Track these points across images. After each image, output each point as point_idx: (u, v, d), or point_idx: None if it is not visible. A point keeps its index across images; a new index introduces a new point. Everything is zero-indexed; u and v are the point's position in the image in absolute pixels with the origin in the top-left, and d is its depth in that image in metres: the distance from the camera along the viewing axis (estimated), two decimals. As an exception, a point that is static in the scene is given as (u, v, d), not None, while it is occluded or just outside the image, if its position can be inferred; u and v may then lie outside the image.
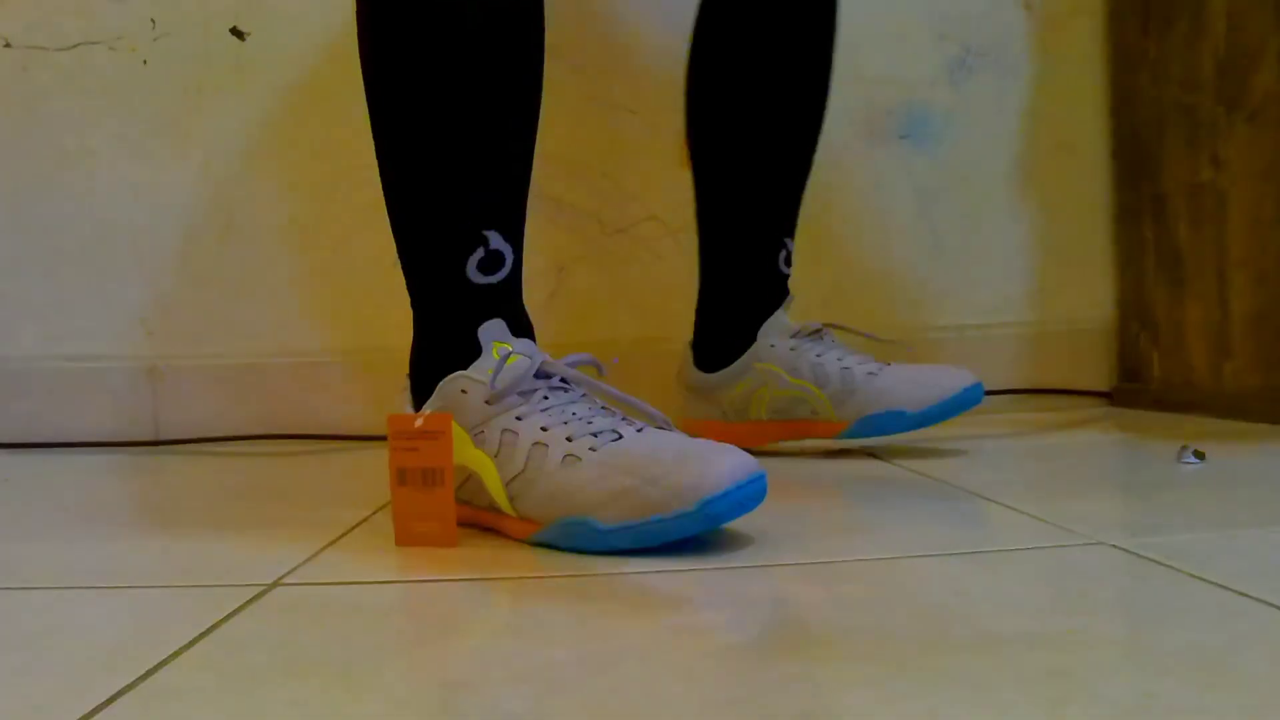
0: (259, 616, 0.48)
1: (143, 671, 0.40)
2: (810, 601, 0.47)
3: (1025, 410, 1.26)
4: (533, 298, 1.28)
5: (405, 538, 0.62)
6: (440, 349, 0.69)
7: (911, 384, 0.90)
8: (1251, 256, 1.06)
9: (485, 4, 0.67)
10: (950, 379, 0.90)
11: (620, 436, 0.60)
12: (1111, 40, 1.29)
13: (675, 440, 0.60)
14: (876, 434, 0.92)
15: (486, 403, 0.63)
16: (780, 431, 0.97)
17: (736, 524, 0.67)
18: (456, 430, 0.63)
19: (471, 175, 0.68)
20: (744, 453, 0.58)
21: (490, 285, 0.68)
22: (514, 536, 0.63)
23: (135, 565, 0.60)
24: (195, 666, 0.41)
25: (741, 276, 1.00)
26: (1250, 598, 0.44)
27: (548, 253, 1.26)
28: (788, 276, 1.00)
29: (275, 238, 1.28)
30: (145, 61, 1.27)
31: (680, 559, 0.56)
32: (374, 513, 0.74)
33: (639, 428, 0.62)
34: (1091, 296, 1.32)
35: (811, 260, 1.30)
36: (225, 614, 0.48)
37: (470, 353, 0.66)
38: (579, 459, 0.59)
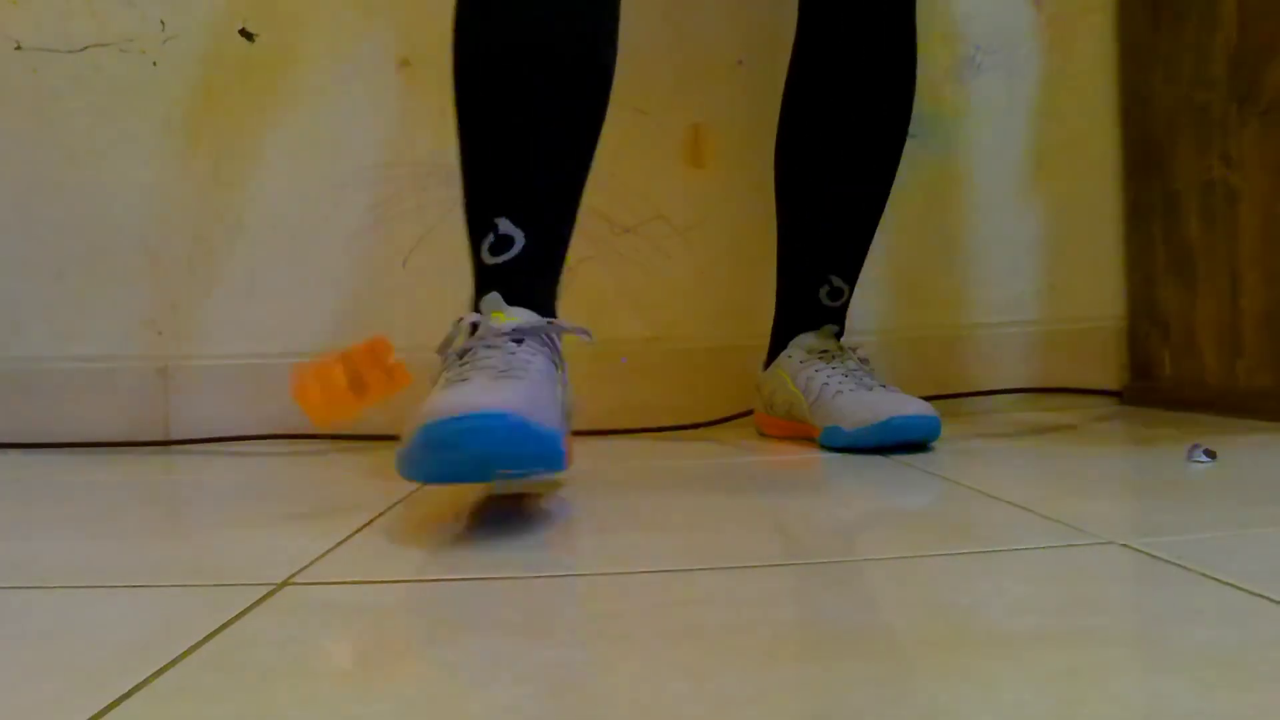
0: (269, 616, 0.48)
1: (153, 670, 0.40)
2: (815, 601, 0.47)
3: (1035, 409, 1.26)
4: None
5: (300, 393, 0.75)
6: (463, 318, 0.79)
7: (860, 405, 0.96)
8: (1263, 254, 1.06)
9: (553, 27, 0.80)
10: (895, 405, 0.93)
11: (468, 380, 0.67)
12: (1122, 37, 1.29)
13: (482, 383, 0.65)
14: (829, 443, 0.98)
15: (442, 359, 0.76)
16: (790, 428, 1.08)
17: (736, 522, 0.67)
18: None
19: (488, 168, 0.81)
20: (504, 398, 0.61)
21: (497, 264, 0.79)
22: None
23: (145, 564, 0.60)
24: (205, 665, 0.41)
25: (788, 298, 1.13)
26: (1262, 597, 0.44)
27: (556, 252, 1.27)
28: (831, 309, 1.09)
29: (284, 238, 1.29)
30: (155, 63, 1.28)
31: (680, 559, 0.56)
32: (382, 513, 0.74)
33: (497, 377, 0.68)
34: (1102, 295, 1.31)
35: (820, 259, 1.30)
36: (235, 613, 0.48)
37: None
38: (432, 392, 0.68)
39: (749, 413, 1.24)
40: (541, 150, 0.81)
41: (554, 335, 0.76)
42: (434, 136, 1.28)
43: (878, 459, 0.91)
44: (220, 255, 1.29)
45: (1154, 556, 0.52)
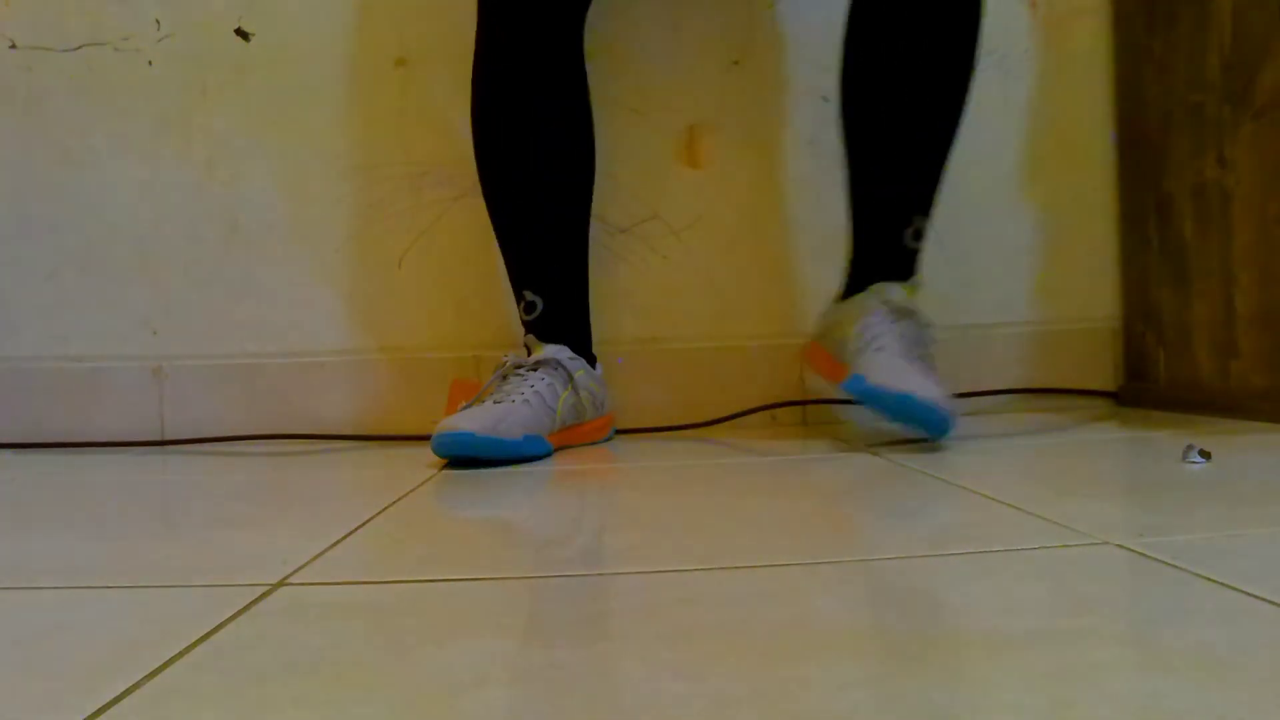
0: (264, 616, 0.48)
1: (148, 671, 0.40)
2: (812, 601, 0.47)
3: (1030, 410, 1.26)
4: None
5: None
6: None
7: (891, 370, 0.95)
8: (1258, 255, 1.06)
9: (546, 144, 1.11)
10: (919, 386, 0.93)
11: (473, 405, 1.02)
12: (1116, 39, 1.29)
13: (480, 409, 1.00)
14: (848, 388, 0.98)
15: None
16: (829, 366, 1.10)
17: (736, 522, 0.67)
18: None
19: (514, 253, 1.14)
20: (490, 424, 0.96)
21: (531, 320, 1.12)
22: None
23: (140, 565, 0.60)
24: (200, 666, 0.41)
25: (869, 241, 1.11)
26: (1256, 597, 0.44)
27: (552, 252, 1.26)
28: (914, 251, 1.08)
29: (279, 238, 1.29)
30: (150, 62, 1.28)
31: (681, 559, 0.56)
32: (379, 513, 0.74)
33: (499, 402, 1.01)
34: (1097, 296, 1.31)
35: (816, 259, 1.30)
36: (230, 614, 0.48)
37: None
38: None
39: (746, 413, 1.24)
40: (547, 237, 1.12)
41: (563, 362, 1.08)
42: (430, 137, 1.28)
43: (868, 457, 0.91)
44: (215, 255, 1.28)
45: (1149, 557, 0.52)
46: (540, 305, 1.10)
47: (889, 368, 0.96)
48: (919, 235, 1.09)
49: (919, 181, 1.09)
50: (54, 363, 1.28)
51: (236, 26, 1.28)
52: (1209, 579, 0.47)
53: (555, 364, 1.07)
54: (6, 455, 1.20)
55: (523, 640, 0.43)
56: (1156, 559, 0.51)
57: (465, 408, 1.01)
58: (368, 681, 0.39)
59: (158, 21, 1.27)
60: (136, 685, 0.39)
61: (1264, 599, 0.44)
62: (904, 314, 1.04)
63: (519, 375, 1.06)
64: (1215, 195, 1.11)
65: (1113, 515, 0.64)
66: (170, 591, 0.53)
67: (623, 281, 1.28)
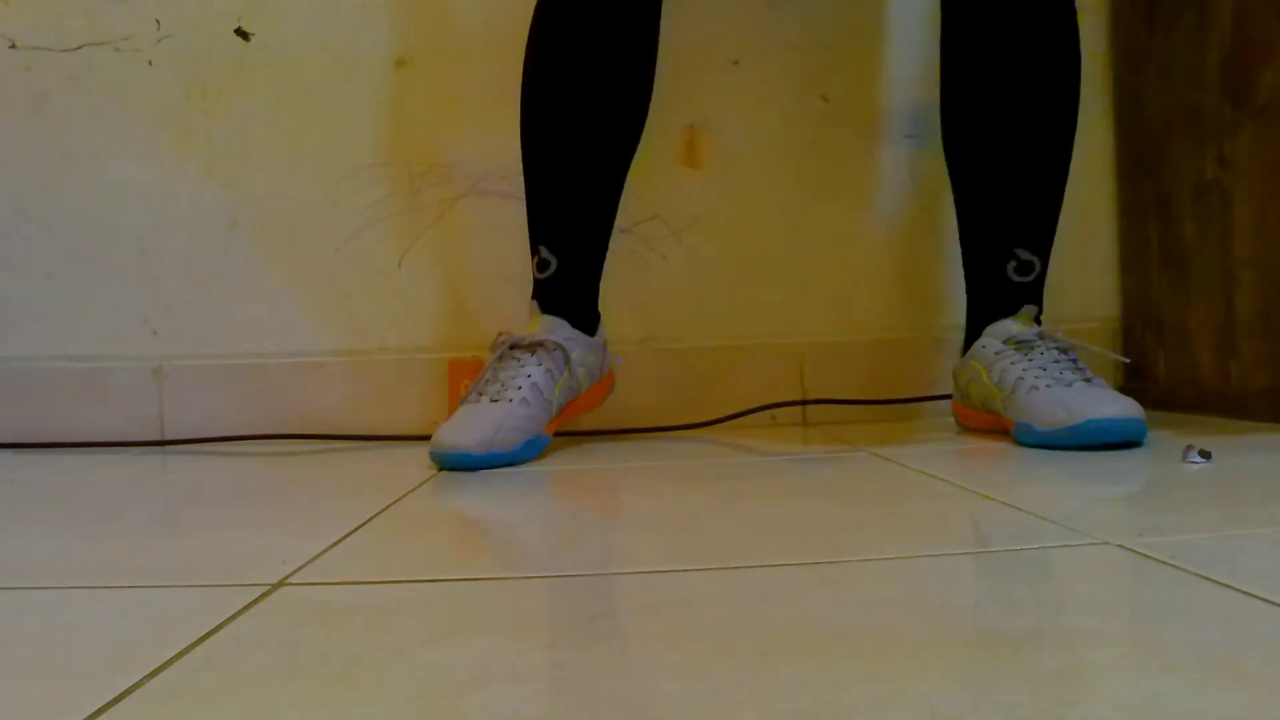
0: (264, 616, 0.48)
1: (148, 671, 0.40)
2: (811, 601, 0.47)
3: (1030, 409, 1.26)
4: (537, 297, 1.25)
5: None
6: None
7: (1055, 404, 0.92)
8: (1258, 255, 1.06)
9: (603, 90, 1.04)
10: (1094, 406, 0.89)
11: (480, 399, 1.00)
12: (1116, 38, 1.29)
13: (470, 409, 0.98)
14: (1022, 439, 0.95)
15: (490, 352, 1.06)
16: (988, 421, 1.04)
17: (735, 522, 0.67)
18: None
19: (540, 204, 1.06)
20: (489, 431, 0.95)
21: (540, 279, 1.06)
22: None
23: (140, 565, 0.60)
24: (200, 666, 0.41)
25: (976, 279, 1.10)
26: (1256, 597, 0.44)
27: (552, 252, 1.27)
28: (1023, 285, 1.05)
29: (279, 238, 1.29)
30: (150, 62, 1.28)
31: (680, 559, 0.56)
32: (379, 513, 0.74)
33: (495, 400, 0.99)
34: (1097, 295, 1.31)
35: (814, 260, 1.30)
36: (230, 614, 0.48)
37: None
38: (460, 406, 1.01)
39: (746, 413, 1.24)
40: (579, 195, 1.06)
41: (561, 343, 1.03)
42: (429, 137, 1.28)
43: (868, 458, 0.91)
44: (215, 255, 1.28)
45: (1149, 557, 0.52)
46: (554, 265, 1.04)
47: (1049, 404, 0.93)
48: (1025, 269, 1.05)
49: (1017, 210, 1.06)
50: (54, 363, 1.28)
51: (236, 26, 1.28)
52: (1209, 579, 0.47)
53: (553, 346, 1.02)
54: (6, 455, 1.20)
55: (523, 640, 0.43)
56: (1156, 559, 0.51)
57: (464, 402, 1.00)
58: (368, 681, 0.39)
59: (158, 21, 1.27)
60: (136, 685, 0.39)
61: (1264, 599, 0.44)
62: (1030, 344, 1.01)
63: (515, 360, 1.02)
64: (1215, 195, 1.11)
65: (1113, 515, 0.64)
66: (170, 591, 0.53)
67: (623, 281, 1.28)
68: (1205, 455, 0.80)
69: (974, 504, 0.69)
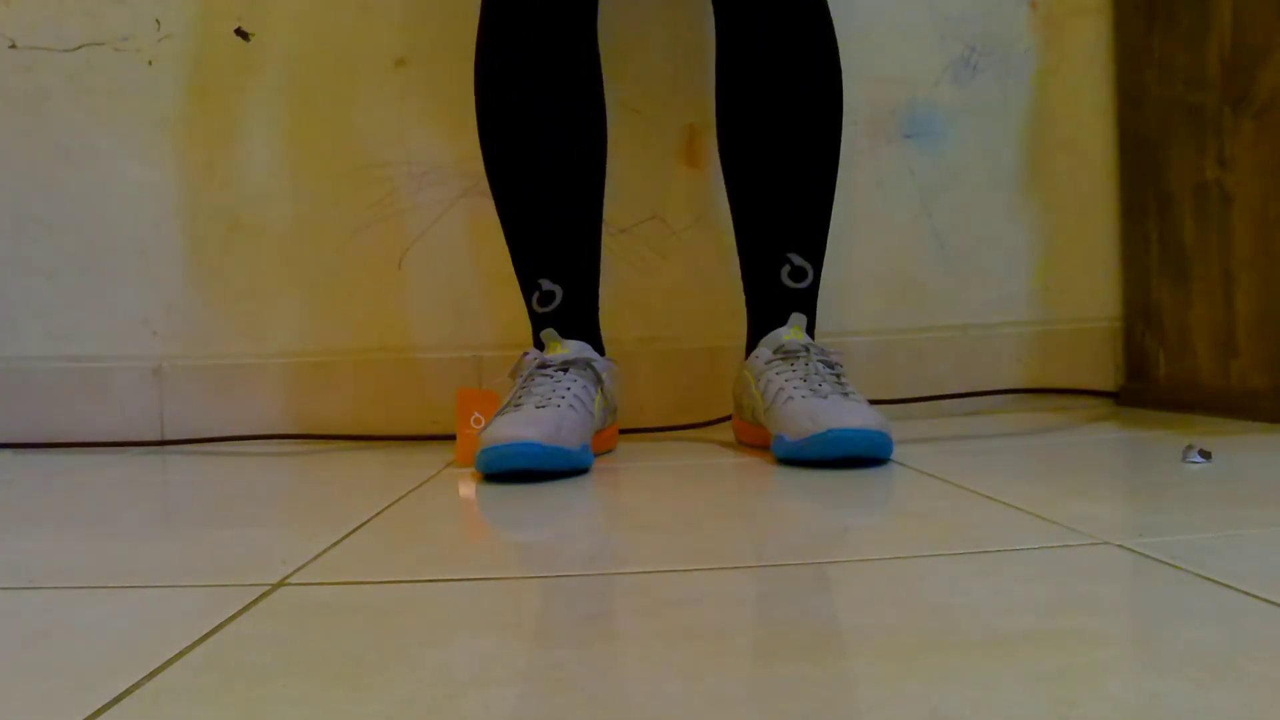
0: (264, 616, 0.48)
1: (147, 671, 0.40)
2: (810, 601, 0.47)
3: (1030, 410, 1.26)
4: (537, 297, 1.25)
5: (462, 460, 0.99)
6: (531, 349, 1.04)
7: (804, 414, 0.88)
8: (1257, 255, 1.06)
9: (557, 131, 1.03)
10: (837, 415, 0.85)
11: (520, 407, 0.91)
12: (1116, 38, 1.29)
13: (526, 414, 0.88)
14: (777, 452, 0.91)
15: (510, 376, 1.01)
16: (758, 435, 1.00)
17: (736, 522, 0.67)
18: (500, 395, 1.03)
19: (527, 244, 1.05)
20: (547, 430, 0.85)
21: (547, 313, 1.03)
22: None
23: (140, 565, 0.60)
24: (200, 666, 0.41)
25: (753, 288, 1.07)
26: (1256, 597, 0.44)
27: (552, 252, 1.27)
28: (797, 292, 1.02)
29: (279, 238, 1.29)
30: (150, 62, 1.28)
31: (675, 559, 0.56)
32: (378, 513, 0.74)
33: (541, 406, 0.91)
34: (1097, 295, 1.31)
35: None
36: (230, 614, 0.48)
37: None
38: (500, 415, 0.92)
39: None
40: (565, 224, 1.04)
41: (593, 362, 0.99)
42: (430, 136, 1.28)
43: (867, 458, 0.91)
44: (215, 255, 1.28)
45: (1148, 557, 0.52)
46: (559, 295, 1.02)
47: (800, 412, 0.89)
48: (799, 275, 1.02)
49: (788, 214, 1.03)
50: (53, 362, 1.28)
51: (236, 26, 1.28)
52: (1209, 579, 0.47)
53: (584, 364, 0.98)
54: (6, 455, 1.20)
55: (523, 640, 0.43)
56: (1156, 559, 0.51)
57: (502, 414, 0.89)
58: (368, 681, 0.39)
59: (158, 21, 1.27)
60: (136, 685, 0.39)
61: (1264, 599, 0.44)
62: (795, 354, 0.97)
63: (547, 376, 0.95)
64: (1215, 195, 1.11)
65: (1112, 515, 0.64)
66: (170, 592, 0.53)
67: (623, 281, 1.28)
68: (1205, 455, 0.80)
69: (972, 503, 0.69)
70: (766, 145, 1.03)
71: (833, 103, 1.03)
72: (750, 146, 1.04)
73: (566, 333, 1.01)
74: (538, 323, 1.03)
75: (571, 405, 0.92)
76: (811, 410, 0.88)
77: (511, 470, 0.83)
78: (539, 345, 1.03)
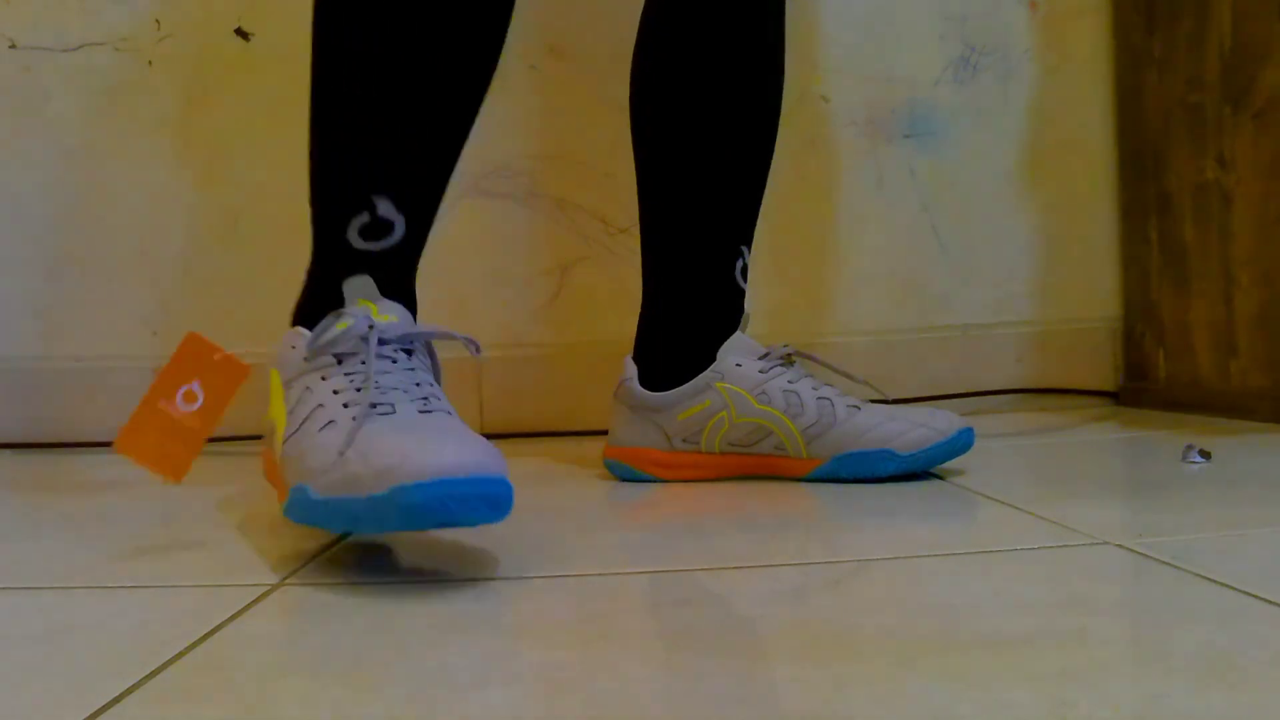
0: (264, 616, 0.48)
1: (148, 671, 0.40)
2: (813, 601, 0.47)
3: (1030, 410, 1.26)
4: (536, 298, 1.29)
5: (129, 447, 0.61)
6: (308, 304, 0.70)
7: (901, 423, 0.80)
8: (1257, 255, 1.06)
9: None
10: (942, 422, 0.80)
11: (394, 412, 0.55)
12: (1116, 38, 1.29)
13: (441, 424, 0.54)
14: (856, 474, 0.80)
15: (305, 359, 0.62)
16: (737, 466, 0.84)
17: (736, 522, 0.67)
18: (274, 380, 0.64)
19: (365, 132, 0.67)
20: (497, 453, 0.51)
21: (369, 252, 0.67)
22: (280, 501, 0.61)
23: (140, 565, 0.60)
24: (200, 667, 0.41)
25: (695, 287, 0.88)
26: (1256, 598, 0.44)
27: (551, 253, 1.27)
28: (743, 293, 0.89)
29: (280, 238, 1.29)
30: (150, 62, 1.27)
31: (680, 558, 0.56)
32: (378, 513, 0.74)
33: (430, 410, 0.56)
34: (1096, 295, 1.31)
35: (814, 260, 1.30)
36: (230, 614, 0.48)
37: (331, 309, 0.65)
38: (336, 425, 0.56)
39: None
40: (432, 115, 0.69)
41: (431, 345, 0.65)
42: (429, 136, 1.27)
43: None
44: (214, 255, 1.28)
45: (1148, 557, 0.52)
46: (399, 230, 0.67)
47: (889, 420, 0.81)
48: (746, 273, 0.90)
49: (745, 207, 0.91)
50: (53, 362, 1.28)
51: (236, 26, 1.28)
52: (1209, 579, 0.47)
53: (423, 348, 0.66)
54: (6, 455, 1.20)
55: (523, 640, 0.43)
56: (1157, 559, 0.51)
57: (377, 421, 0.55)
58: (366, 681, 0.38)
59: (158, 22, 1.27)
60: (136, 686, 0.39)
61: (1264, 599, 0.44)
62: (790, 357, 0.87)
63: (388, 359, 0.61)
64: (1215, 195, 1.11)
65: (1113, 515, 0.64)
66: (169, 592, 0.53)
67: (621, 281, 1.28)
68: (1205, 455, 0.80)
69: (975, 504, 0.69)
70: (722, 128, 0.88)
71: (781, 80, 0.92)
72: (701, 131, 0.88)
73: (391, 288, 0.68)
74: (345, 263, 0.67)
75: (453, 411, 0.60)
76: (906, 417, 0.80)
77: (450, 522, 0.50)
78: (321, 300, 0.67)
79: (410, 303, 0.70)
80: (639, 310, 0.93)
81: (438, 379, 0.65)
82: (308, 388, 0.60)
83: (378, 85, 0.68)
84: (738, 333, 0.87)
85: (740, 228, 0.90)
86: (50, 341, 1.28)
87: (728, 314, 0.88)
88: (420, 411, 0.56)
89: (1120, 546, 0.54)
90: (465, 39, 0.71)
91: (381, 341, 0.61)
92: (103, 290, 1.28)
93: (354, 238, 0.67)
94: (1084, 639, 0.40)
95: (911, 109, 1.29)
